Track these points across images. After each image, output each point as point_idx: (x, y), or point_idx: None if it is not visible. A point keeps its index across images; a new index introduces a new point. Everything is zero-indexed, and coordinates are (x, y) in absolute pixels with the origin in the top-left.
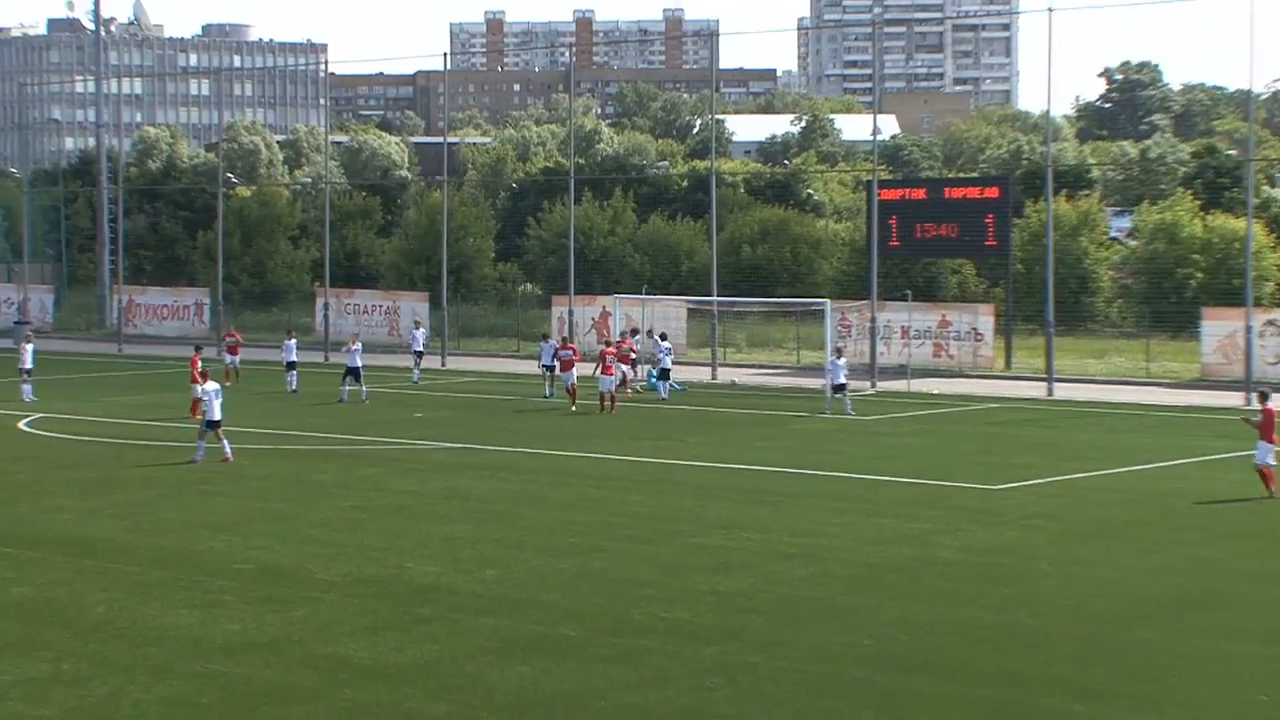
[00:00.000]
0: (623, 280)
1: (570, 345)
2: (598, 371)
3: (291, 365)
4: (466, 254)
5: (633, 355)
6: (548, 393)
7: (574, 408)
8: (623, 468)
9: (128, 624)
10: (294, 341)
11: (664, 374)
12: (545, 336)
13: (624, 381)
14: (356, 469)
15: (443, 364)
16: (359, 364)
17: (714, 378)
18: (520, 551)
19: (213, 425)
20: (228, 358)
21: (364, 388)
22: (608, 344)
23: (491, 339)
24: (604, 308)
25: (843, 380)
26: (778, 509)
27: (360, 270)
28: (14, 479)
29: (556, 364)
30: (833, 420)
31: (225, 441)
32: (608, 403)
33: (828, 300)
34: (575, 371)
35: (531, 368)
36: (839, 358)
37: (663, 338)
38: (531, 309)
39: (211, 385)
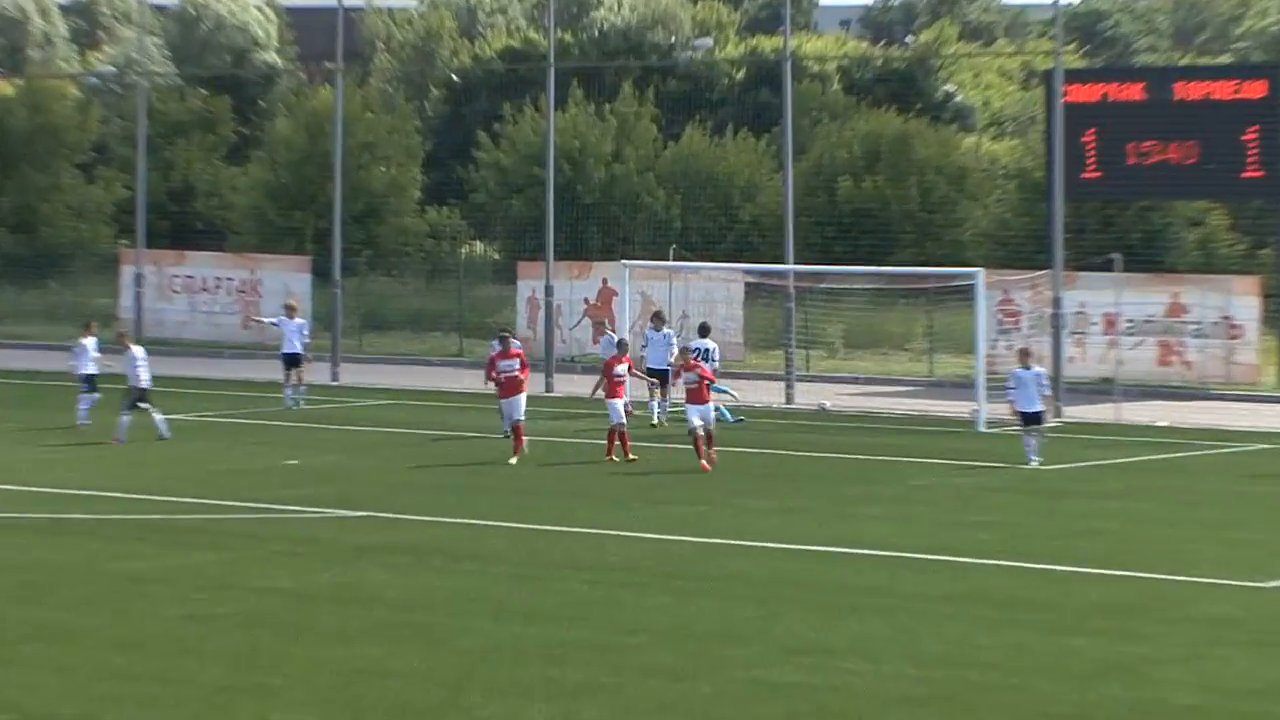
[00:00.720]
0: (637, 236)
1: (516, 352)
2: (598, 392)
3: (91, 380)
4: (375, 193)
5: (707, 382)
6: (506, 428)
7: (514, 459)
8: (637, 551)
9: None
10: (94, 340)
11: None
12: (504, 332)
13: (707, 441)
14: (190, 553)
15: (334, 377)
16: (91, 369)
17: (789, 400)
18: (461, 692)
19: None
20: None
21: (124, 417)
22: (621, 345)
23: (416, 334)
24: (604, 281)
25: (1039, 406)
26: (894, 620)
27: (197, 220)
28: None
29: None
30: (996, 472)
31: None
32: (618, 442)
33: (980, 270)
34: (524, 397)
35: (482, 382)
36: (1027, 365)
37: (703, 331)
38: (484, 284)
39: None
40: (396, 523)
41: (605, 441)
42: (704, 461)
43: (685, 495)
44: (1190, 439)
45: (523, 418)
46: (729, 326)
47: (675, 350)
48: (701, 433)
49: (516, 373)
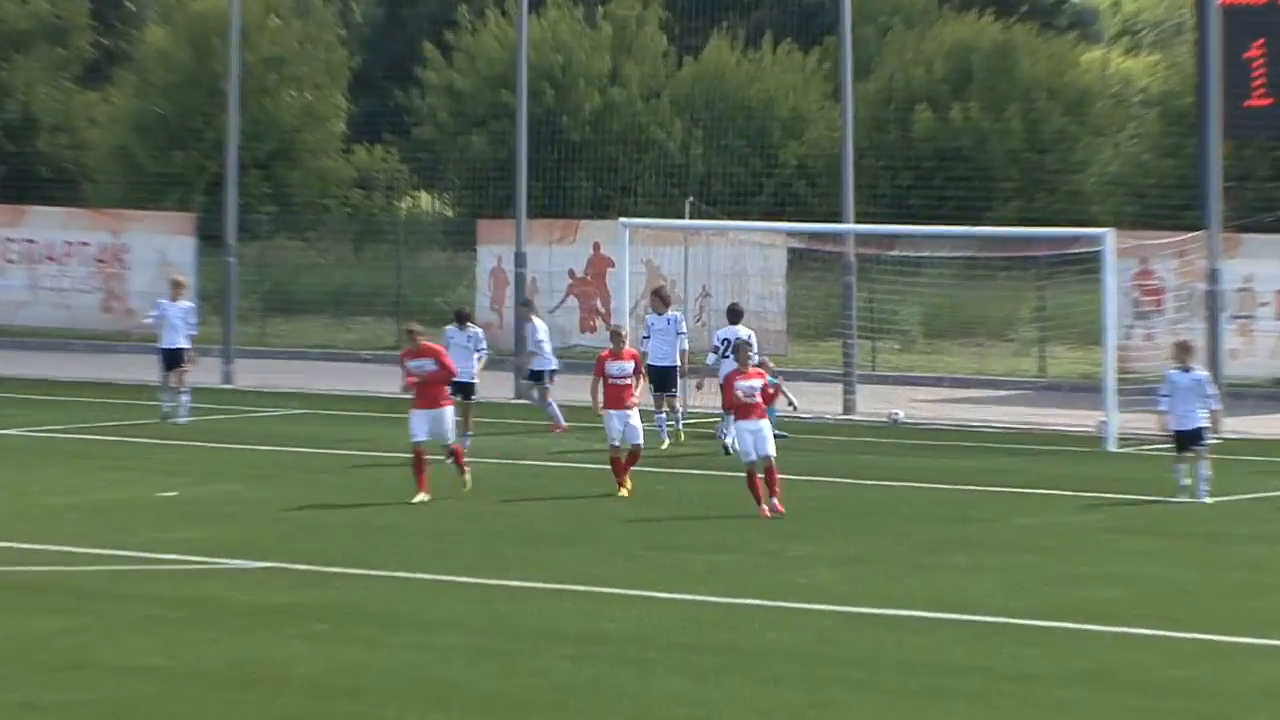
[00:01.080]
0: (642, 185)
1: (429, 347)
2: (599, 402)
3: None
4: (284, 127)
5: (770, 390)
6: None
7: (465, 477)
8: (641, 615)
9: None
10: None
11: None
12: (462, 317)
13: (768, 476)
14: (27, 618)
15: (226, 377)
16: None
17: (848, 409)
18: None
19: None
20: None
21: None
22: (616, 334)
23: (339, 319)
24: (596, 246)
25: (1201, 422)
26: (993, 709)
27: (41, 164)
28: None
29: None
30: (1132, 508)
31: None
32: (627, 467)
33: (1109, 231)
34: (452, 411)
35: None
36: (1186, 365)
37: (734, 316)
38: (431, 250)
39: None
40: (311, 577)
41: (610, 468)
42: (764, 507)
43: (708, 539)
44: None
45: (452, 438)
46: (766, 308)
47: (685, 341)
48: (760, 468)
49: (430, 375)
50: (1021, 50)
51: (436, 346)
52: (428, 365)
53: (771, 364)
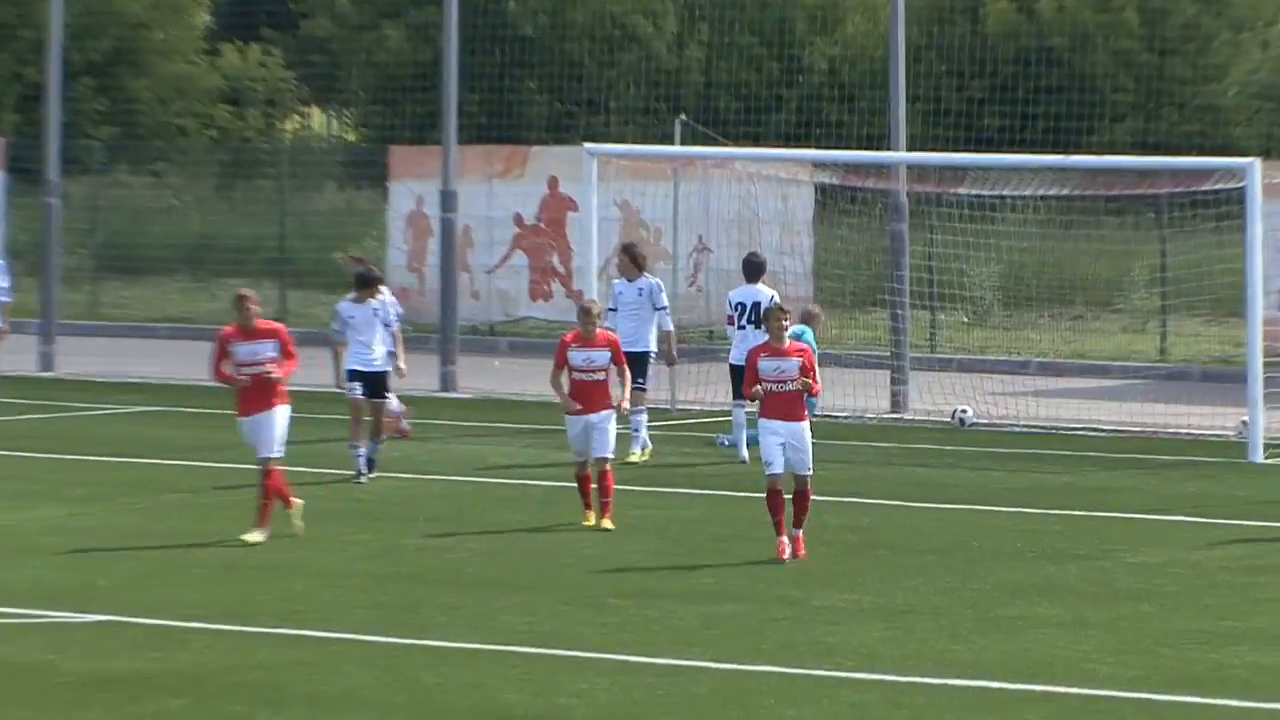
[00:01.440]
0: (615, 100)
1: (266, 327)
2: (567, 396)
3: None
4: (127, 20)
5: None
6: (362, 467)
7: (256, 534)
8: (614, 688)
9: None
10: None
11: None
12: (366, 281)
13: (798, 502)
14: None
15: (45, 362)
16: None
17: (898, 405)
18: None
19: None
20: None
21: None
22: (585, 312)
23: (200, 283)
24: (553, 182)
25: None
26: None
27: None
28: None
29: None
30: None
31: None
32: (595, 485)
33: (1254, 162)
34: (285, 412)
35: (322, 375)
36: None
37: (752, 272)
38: (325, 188)
39: None
40: (163, 634)
41: (576, 487)
42: (784, 538)
43: (706, 584)
44: None
45: (278, 452)
46: (786, 266)
47: (668, 318)
48: (789, 488)
49: (267, 367)
50: None
51: (277, 325)
52: (265, 350)
53: (821, 314)
